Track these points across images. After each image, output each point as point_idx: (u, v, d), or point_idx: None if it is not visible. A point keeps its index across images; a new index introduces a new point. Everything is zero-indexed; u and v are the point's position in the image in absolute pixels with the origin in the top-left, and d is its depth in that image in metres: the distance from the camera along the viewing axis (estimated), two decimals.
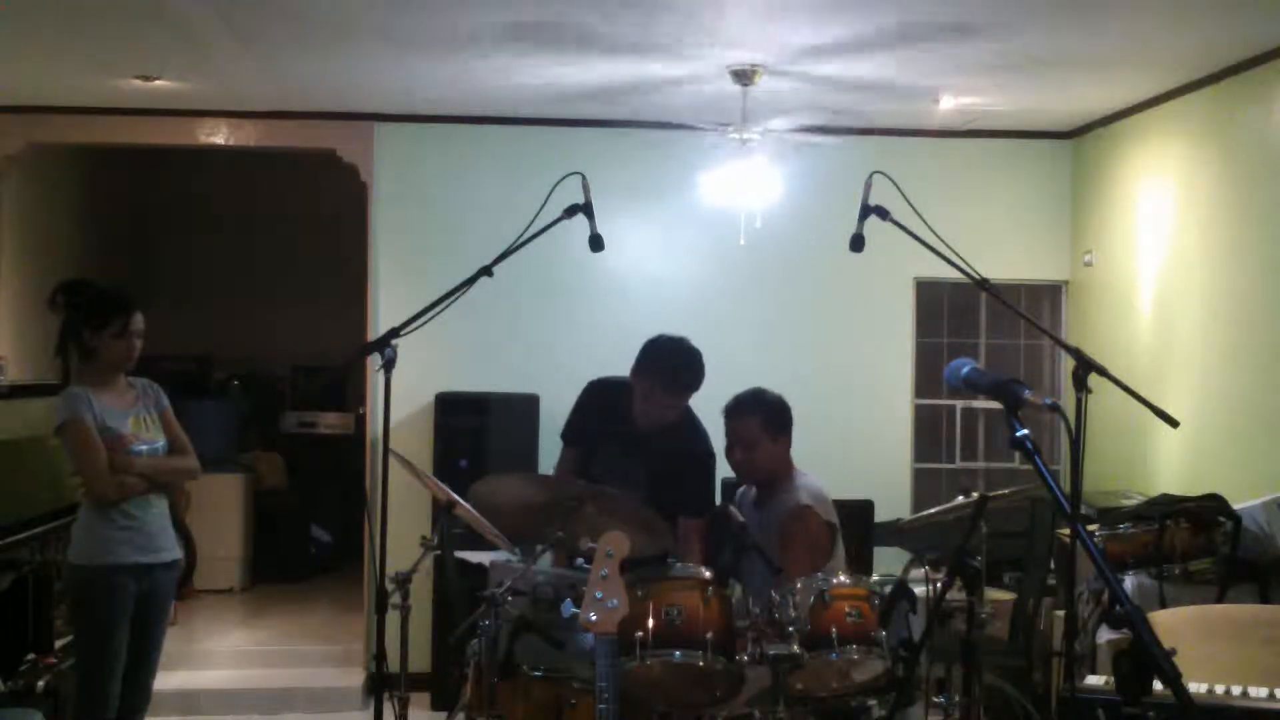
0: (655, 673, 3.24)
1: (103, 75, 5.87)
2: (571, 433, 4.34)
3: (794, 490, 4.02)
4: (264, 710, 6.22)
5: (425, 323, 3.47)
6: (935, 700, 4.06)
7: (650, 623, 3.19)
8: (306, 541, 8.68)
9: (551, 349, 6.72)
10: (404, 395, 6.25)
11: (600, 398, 4.30)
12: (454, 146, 6.82)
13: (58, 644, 4.99)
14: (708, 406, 4.23)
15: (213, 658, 6.69)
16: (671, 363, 4.10)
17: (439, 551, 3.81)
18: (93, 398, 4.09)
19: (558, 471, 4.32)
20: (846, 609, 3.36)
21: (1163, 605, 4.25)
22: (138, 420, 4.20)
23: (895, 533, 5.29)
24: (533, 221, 3.51)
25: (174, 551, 4.28)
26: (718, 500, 4.57)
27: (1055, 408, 2.59)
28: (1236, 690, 3.12)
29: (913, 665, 3.46)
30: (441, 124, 6.77)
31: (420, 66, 5.65)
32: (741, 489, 4.31)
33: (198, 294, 9.32)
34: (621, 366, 4.21)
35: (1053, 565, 5.09)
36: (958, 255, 3.40)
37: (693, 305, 6.65)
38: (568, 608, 2.91)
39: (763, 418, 4.05)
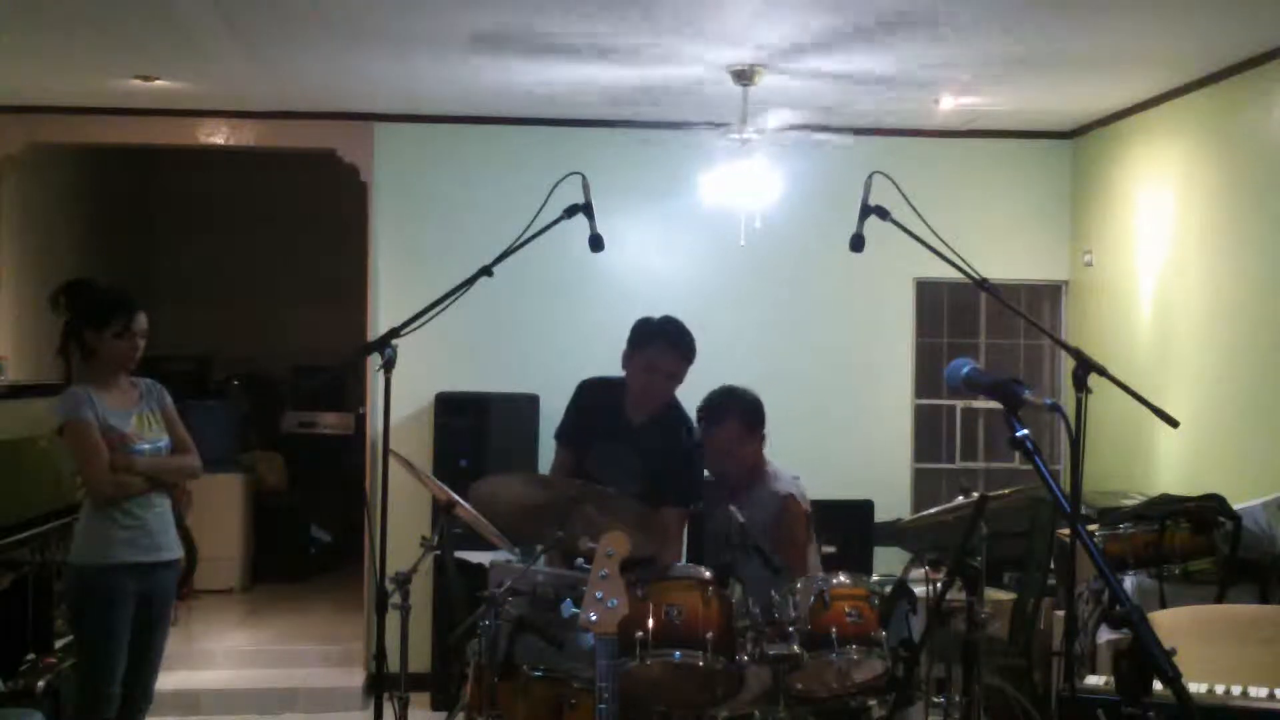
0: (655, 673, 3.24)
1: (103, 75, 5.87)
2: (565, 432, 4.34)
3: (772, 482, 4.06)
4: (264, 710, 6.21)
5: (425, 323, 3.47)
6: (935, 700, 4.06)
7: (650, 623, 3.20)
8: (306, 541, 8.67)
9: (551, 349, 6.72)
10: (404, 395, 6.22)
11: (592, 396, 4.31)
12: (454, 146, 6.82)
13: (58, 644, 4.99)
14: (692, 401, 4.24)
15: (213, 658, 6.69)
16: (668, 328, 4.12)
17: (439, 551, 3.81)
18: (94, 397, 4.09)
19: (553, 471, 4.33)
20: (846, 609, 3.37)
21: (1163, 605, 4.25)
22: (141, 419, 4.20)
23: (895, 533, 5.29)
24: (533, 221, 3.51)
25: (175, 550, 4.29)
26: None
27: (1055, 408, 2.59)
28: (1236, 690, 3.12)
29: (913, 665, 3.47)
30: (441, 124, 6.77)
31: (420, 66, 5.65)
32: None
33: (198, 294, 9.32)
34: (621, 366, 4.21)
35: (1053, 565, 5.09)
36: (958, 255, 3.41)
37: (693, 305, 6.57)
38: (568, 608, 2.92)
39: (741, 421, 4.09)
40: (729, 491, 4.11)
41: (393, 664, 3.64)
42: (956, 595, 3.60)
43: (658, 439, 4.12)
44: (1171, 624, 3.66)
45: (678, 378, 4.13)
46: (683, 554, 4.66)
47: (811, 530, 4.09)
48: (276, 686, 6.37)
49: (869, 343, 6.98)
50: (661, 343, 4.08)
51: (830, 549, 5.39)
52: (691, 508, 4.21)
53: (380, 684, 3.62)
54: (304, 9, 4.77)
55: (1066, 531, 4.42)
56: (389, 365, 3.39)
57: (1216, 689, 3.13)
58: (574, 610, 2.84)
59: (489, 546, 4.06)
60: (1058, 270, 7.03)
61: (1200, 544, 4.49)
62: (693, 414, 4.21)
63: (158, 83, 5.97)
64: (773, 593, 3.41)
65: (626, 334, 4.24)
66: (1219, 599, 4.38)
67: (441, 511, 3.79)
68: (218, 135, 6.82)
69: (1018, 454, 2.24)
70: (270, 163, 8.41)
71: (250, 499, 8.25)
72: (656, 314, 4.22)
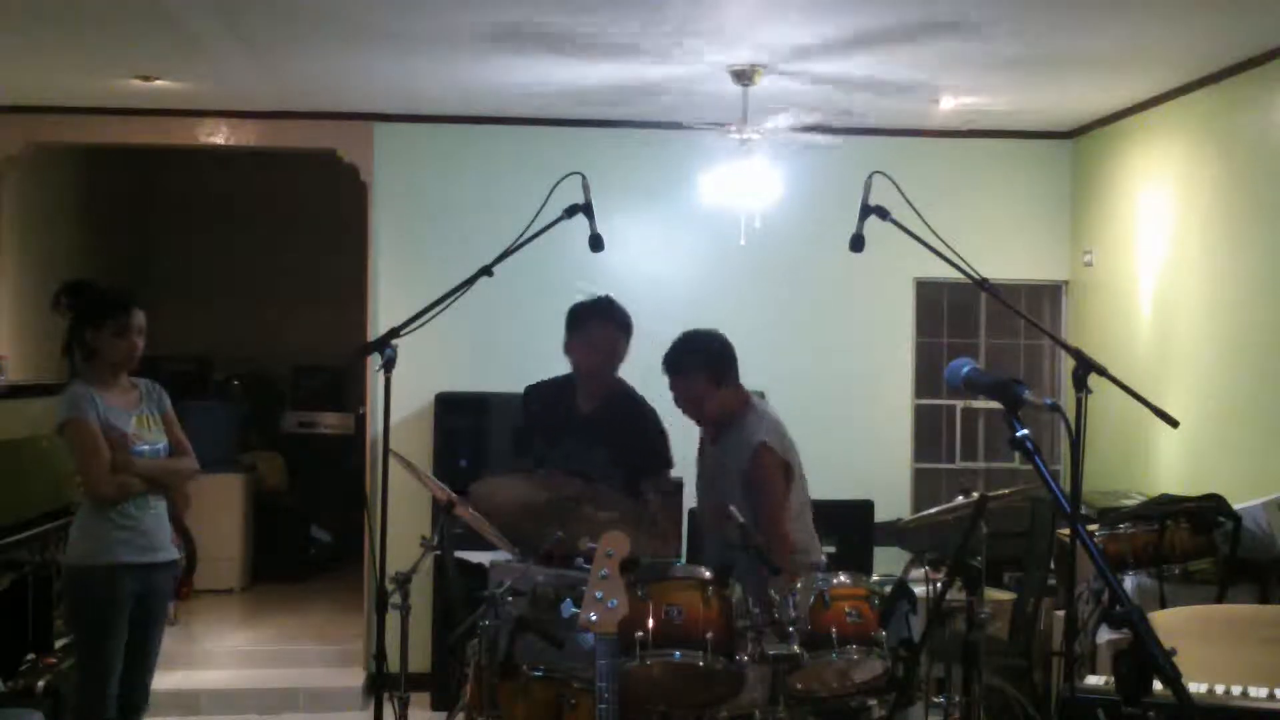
0: (655, 673, 3.24)
1: (103, 75, 5.87)
2: (522, 441, 4.35)
3: (749, 428, 3.93)
4: (264, 710, 6.21)
5: (425, 323, 3.47)
6: (935, 700, 4.06)
7: (650, 623, 3.19)
8: (306, 541, 8.67)
9: (551, 349, 6.67)
10: (404, 395, 6.23)
11: (540, 397, 4.38)
12: (454, 146, 6.82)
13: (58, 644, 4.99)
14: None
15: (213, 658, 6.69)
16: (601, 305, 4.21)
17: (439, 551, 3.80)
18: (97, 396, 4.09)
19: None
20: (846, 609, 3.36)
21: (1163, 605, 4.25)
22: (141, 420, 4.20)
23: (895, 533, 5.29)
24: (533, 221, 3.50)
25: (171, 551, 4.28)
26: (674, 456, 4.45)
27: (1055, 408, 2.59)
28: (1236, 690, 3.12)
29: (913, 665, 3.46)
30: (441, 124, 6.77)
31: (420, 66, 5.65)
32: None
33: (198, 294, 9.32)
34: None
35: (1053, 565, 5.09)
36: (958, 255, 3.40)
37: (692, 305, 6.62)
38: (568, 608, 2.91)
39: (704, 372, 3.95)
40: (709, 434, 4.08)
41: (393, 664, 3.64)
42: (956, 595, 3.60)
43: (614, 420, 4.17)
44: (1171, 624, 3.65)
45: (619, 352, 4.19)
46: (683, 553, 4.68)
47: (794, 481, 3.93)
48: (276, 686, 6.37)
49: (869, 343, 6.97)
50: (597, 320, 4.16)
51: (830, 549, 5.39)
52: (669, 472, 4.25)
53: (380, 684, 3.62)
54: (304, 9, 4.77)
55: (1066, 531, 4.42)
56: (389, 365, 3.38)
57: (1216, 689, 3.13)
58: (574, 610, 2.83)
59: (489, 546, 4.06)
60: (1058, 270, 7.03)
61: (1200, 544, 4.49)
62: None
63: (158, 83, 5.97)
64: (772, 592, 3.40)
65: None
66: (1219, 599, 4.38)
67: (441, 511, 3.78)
68: (218, 135, 6.82)
69: (1018, 454, 2.23)
70: (270, 163, 8.41)
71: (250, 499, 8.25)
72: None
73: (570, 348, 4.24)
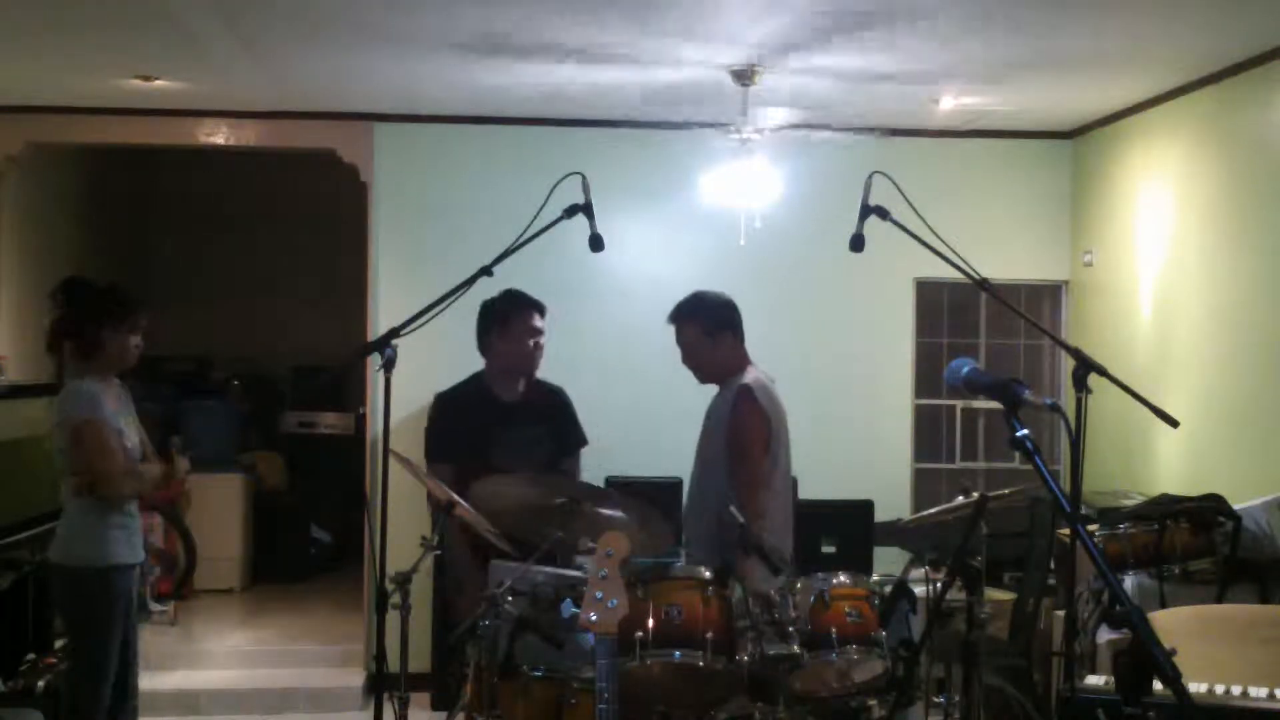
0: (655, 673, 3.24)
1: (103, 75, 5.87)
2: (440, 450, 4.36)
3: (740, 381, 4.04)
4: (264, 710, 6.21)
5: (425, 323, 3.47)
6: (935, 700, 4.06)
7: (650, 623, 3.20)
8: (306, 541, 8.66)
9: (551, 349, 6.67)
10: (404, 395, 6.21)
11: (458, 401, 4.51)
12: (454, 146, 6.82)
13: (58, 644, 4.99)
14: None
15: (213, 658, 6.69)
16: (523, 296, 4.41)
17: (439, 551, 3.81)
18: (104, 396, 4.08)
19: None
20: (846, 609, 3.36)
21: (1163, 605, 4.25)
22: (127, 422, 4.21)
23: (895, 533, 5.30)
24: (533, 221, 3.50)
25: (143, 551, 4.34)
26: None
27: (1055, 408, 2.59)
28: (1236, 690, 3.12)
29: (913, 665, 3.46)
30: (441, 124, 6.77)
31: (420, 66, 5.65)
32: None
33: (198, 294, 9.31)
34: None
35: (1053, 565, 5.09)
36: (958, 255, 3.40)
37: None
38: (568, 608, 2.91)
39: (700, 324, 4.15)
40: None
41: (393, 664, 3.63)
42: (956, 595, 3.60)
43: (544, 404, 4.40)
44: (1171, 624, 3.65)
45: (540, 330, 4.44)
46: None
47: (775, 441, 4.00)
48: (276, 686, 6.36)
49: (869, 343, 6.97)
50: (529, 310, 4.38)
51: (830, 549, 5.40)
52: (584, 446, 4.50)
53: (380, 684, 3.62)
54: (304, 9, 4.77)
55: (1066, 531, 4.42)
56: (389, 365, 3.38)
57: (1216, 689, 3.13)
58: (574, 610, 2.83)
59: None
60: (1058, 270, 7.03)
61: (1200, 544, 4.49)
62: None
63: (158, 83, 5.97)
64: (772, 593, 3.40)
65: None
66: (1219, 599, 4.38)
67: (441, 511, 3.78)
68: (218, 135, 6.82)
69: (1018, 454, 2.23)
70: (270, 163, 8.41)
71: (250, 499, 8.24)
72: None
73: (499, 343, 4.39)
